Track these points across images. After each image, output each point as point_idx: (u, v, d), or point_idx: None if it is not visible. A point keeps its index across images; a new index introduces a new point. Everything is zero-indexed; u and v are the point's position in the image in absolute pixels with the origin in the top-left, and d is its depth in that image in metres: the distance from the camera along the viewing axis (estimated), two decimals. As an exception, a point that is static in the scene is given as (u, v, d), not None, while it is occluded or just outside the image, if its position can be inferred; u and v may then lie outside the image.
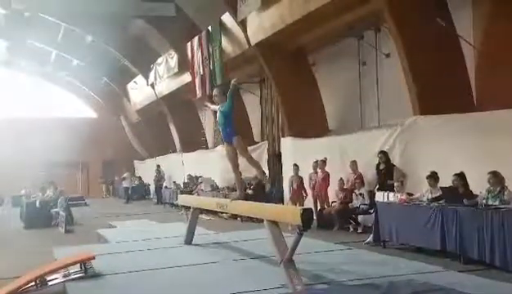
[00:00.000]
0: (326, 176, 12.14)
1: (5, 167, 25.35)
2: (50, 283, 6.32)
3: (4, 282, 6.56)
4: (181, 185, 20.19)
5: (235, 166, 7.24)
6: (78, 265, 6.61)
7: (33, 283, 6.18)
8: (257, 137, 18.09)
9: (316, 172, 12.51)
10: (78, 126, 28.88)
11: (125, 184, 25.67)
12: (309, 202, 12.40)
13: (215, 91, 7.36)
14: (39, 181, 19.52)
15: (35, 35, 23.56)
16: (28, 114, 28.58)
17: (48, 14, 20.35)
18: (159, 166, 24.22)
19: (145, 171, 27.54)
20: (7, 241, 12.01)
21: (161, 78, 21.86)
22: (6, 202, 24.76)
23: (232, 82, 6.94)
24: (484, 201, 7.45)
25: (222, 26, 15.55)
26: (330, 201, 12.11)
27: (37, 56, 26.93)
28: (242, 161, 7.31)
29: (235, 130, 7.00)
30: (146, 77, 23.45)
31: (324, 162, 12.18)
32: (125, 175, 26.13)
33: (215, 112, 7.46)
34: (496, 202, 7.31)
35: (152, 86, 23.15)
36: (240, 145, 7.03)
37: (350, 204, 11.23)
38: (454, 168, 8.31)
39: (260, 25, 13.61)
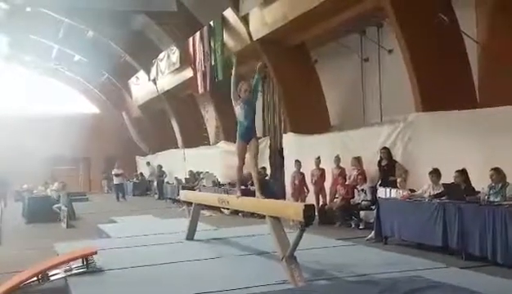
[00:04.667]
0: (342, 172, 12.02)
1: (7, 162, 25.36)
2: (52, 278, 6.33)
3: (6, 276, 6.57)
4: (183, 181, 20.19)
5: (242, 166, 6.97)
6: (80, 260, 6.61)
7: (35, 278, 6.19)
8: (259, 133, 18.06)
9: (319, 168, 12.51)
10: (80, 121, 28.80)
11: (116, 181, 23.03)
12: (311, 199, 12.40)
13: (247, 86, 6.61)
14: (41, 177, 19.59)
15: (37, 30, 23.55)
16: (29, 110, 28.57)
17: (50, 9, 20.31)
18: (161, 166, 23.69)
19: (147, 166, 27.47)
20: (9, 236, 12.02)
21: (163, 74, 21.83)
22: (7, 197, 24.76)
23: (257, 67, 6.61)
24: (486, 197, 7.44)
25: (224, 21, 15.51)
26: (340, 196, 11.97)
27: (38, 51, 26.91)
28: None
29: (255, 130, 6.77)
30: (148, 73, 23.41)
31: (338, 158, 12.11)
32: (117, 171, 23.03)
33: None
34: (498, 199, 7.30)
35: (154, 81, 23.10)
36: (257, 148, 6.82)
37: (352, 200, 11.22)
38: (456, 165, 8.29)
39: (262, 21, 13.57)
